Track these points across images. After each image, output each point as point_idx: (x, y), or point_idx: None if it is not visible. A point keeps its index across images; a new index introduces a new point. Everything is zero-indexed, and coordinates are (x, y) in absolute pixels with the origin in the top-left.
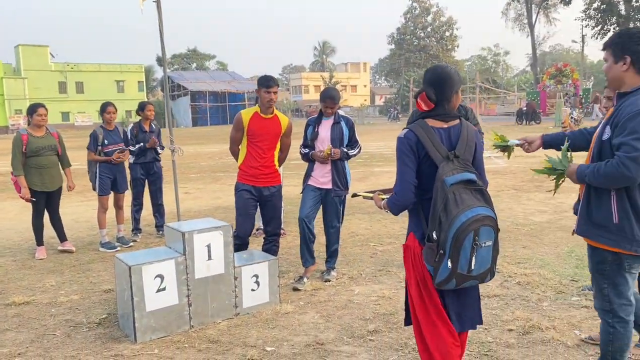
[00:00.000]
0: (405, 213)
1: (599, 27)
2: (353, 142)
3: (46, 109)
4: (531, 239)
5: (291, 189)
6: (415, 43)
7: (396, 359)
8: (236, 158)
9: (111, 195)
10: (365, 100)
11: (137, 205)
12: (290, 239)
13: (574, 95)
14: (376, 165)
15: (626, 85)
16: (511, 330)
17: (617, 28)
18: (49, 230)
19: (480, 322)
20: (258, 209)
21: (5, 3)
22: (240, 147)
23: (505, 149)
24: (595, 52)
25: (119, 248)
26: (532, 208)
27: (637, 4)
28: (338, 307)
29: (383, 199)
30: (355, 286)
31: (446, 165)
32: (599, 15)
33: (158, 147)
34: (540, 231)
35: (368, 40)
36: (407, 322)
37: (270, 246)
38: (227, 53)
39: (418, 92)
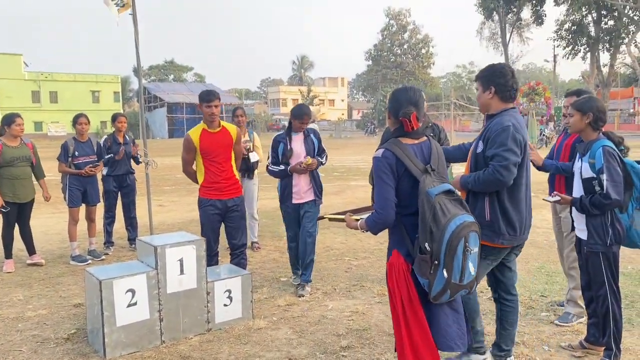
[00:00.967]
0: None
1: (570, 48)
2: (321, 151)
3: (22, 119)
4: None
5: (267, 202)
6: (392, 59)
7: None
8: (192, 178)
9: (83, 208)
10: (342, 114)
11: (110, 218)
12: (264, 253)
13: (544, 115)
14: (352, 179)
15: (492, 109)
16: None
17: (587, 48)
18: (17, 243)
19: (471, 342)
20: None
21: None
22: (196, 167)
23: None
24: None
25: (90, 261)
26: None
27: (606, 26)
28: (311, 323)
29: (358, 219)
30: (329, 301)
31: (426, 178)
32: (570, 36)
33: (137, 156)
34: None
35: (346, 55)
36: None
37: (239, 260)
38: (205, 65)
39: (408, 111)
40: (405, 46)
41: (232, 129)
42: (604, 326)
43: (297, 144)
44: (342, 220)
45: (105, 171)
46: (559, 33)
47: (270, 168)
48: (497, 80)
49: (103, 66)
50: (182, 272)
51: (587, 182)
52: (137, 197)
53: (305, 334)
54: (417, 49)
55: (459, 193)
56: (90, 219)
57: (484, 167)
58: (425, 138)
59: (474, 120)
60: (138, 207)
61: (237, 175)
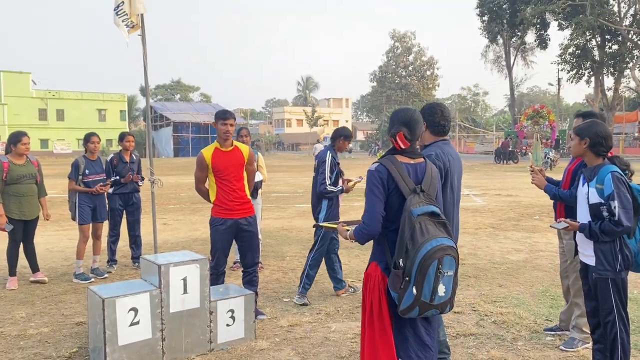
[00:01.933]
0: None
1: (574, 71)
2: None
3: (29, 137)
4: (507, 277)
5: (270, 222)
6: (396, 81)
7: None
8: (204, 197)
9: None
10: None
11: (114, 236)
12: (267, 273)
13: (549, 139)
14: (356, 200)
15: (426, 141)
16: None
17: (591, 72)
18: (21, 260)
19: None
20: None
21: None
22: (208, 185)
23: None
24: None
25: (92, 280)
26: (508, 247)
27: (610, 50)
28: (314, 345)
29: (348, 230)
30: (332, 323)
31: (413, 198)
32: (574, 60)
33: (139, 180)
34: (516, 270)
35: (350, 76)
36: None
37: (251, 278)
38: (211, 86)
39: (395, 131)
40: (410, 68)
41: (244, 148)
42: (611, 352)
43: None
44: (335, 229)
45: (111, 189)
46: (563, 57)
47: (330, 189)
48: (428, 118)
49: (110, 84)
50: (185, 291)
51: (594, 208)
52: (142, 216)
53: (308, 356)
54: (422, 70)
55: (443, 217)
56: (96, 236)
57: None
58: (422, 159)
59: (478, 142)
60: (142, 225)
61: (249, 195)
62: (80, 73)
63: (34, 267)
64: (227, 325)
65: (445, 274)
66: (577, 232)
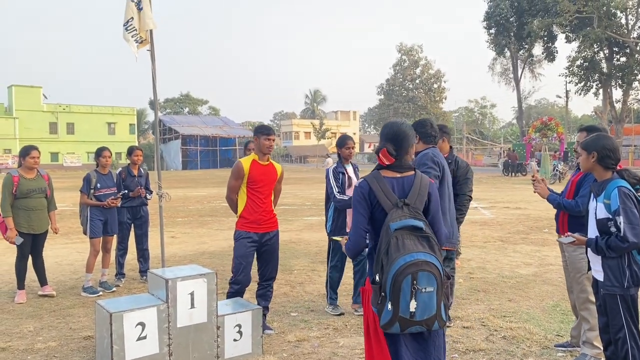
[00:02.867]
0: None
1: (582, 84)
2: None
3: (39, 152)
4: (517, 292)
5: None
6: (404, 94)
7: None
8: (233, 207)
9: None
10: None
11: (122, 250)
12: (275, 287)
13: (557, 151)
14: None
15: (418, 149)
16: None
17: (599, 85)
18: (29, 273)
19: None
20: None
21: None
22: (238, 195)
23: None
24: (579, 106)
25: (101, 293)
26: (518, 260)
27: (618, 62)
28: None
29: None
30: (340, 338)
31: (395, 212)
32: (582, 72)
33: (147, 194)
34: (526, 284)
35: (358, 89)
36: None
37: (265, 291)
38: (219, 99)
39: (379, 148)
40: (417, 81)
41: (278, 167)
42: None
43: (351, 174)
44: (337, 241)
45: (119, 203)
46: (570, 69)
47: (340, 197)
48: (420, 130)
49: (120, 98)
50: (192, 305)
51: (601, 223)
52: (150, 229)
53: None
54: (429, 83)
55: (427, 231)
56: (106, 249)
57: None
58: (412, 172)
59: (486, 155)
60: (150, 239)
61: (274, 210)
62: (91, 87)
63: (43, 281)
64: (235, 340)
65: (424, 290)
66: (588, 247)
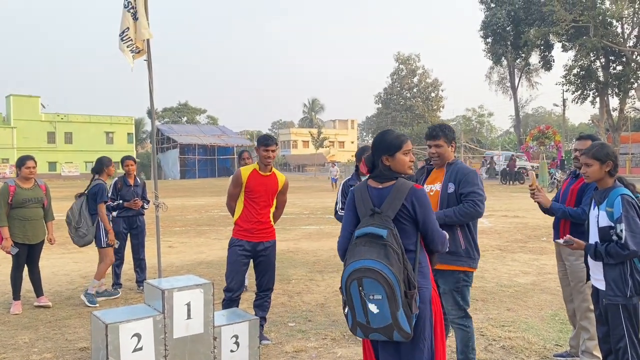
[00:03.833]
0: None
1: (579, 92)
2: None
3: (35, 162)
4: (515, 301)
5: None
6: (401, 103)
7: None
8: (232, 213)
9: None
10: (352, 156)
11: (118, 260)
12: (272, 297)
13: (555, 159)
14: None
15: (449, 158)
16: None
17: (596, 93)
18: (25, 284)
19: None
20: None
21: None
22: (237, 202)
23: None
24: (576, 115)
25: (97, 305)
26: (516, 269)
27: (615, 71)
28: None
29: None
30: (338, 348)
31: (365, 220)
32: (579, 80)
33: (144, 203)
34: (525, 293)
35: (356, 98)
36: None
37: (262, 302)
38: (218, 108)
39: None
40: (414, 90)
41: (281, 178)
42: None
43: None
44: None
45: (115, 212)
46: (567, 78)
47: (341, 213)
48: (451, 135)
49: (118, 107)
50: (189, 316)
51: (604, 231)
52: (146, 239)
53: None
54: (427, 92)
55: (389, 240)
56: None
57: (455, 204)
58: (392, 182)
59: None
60: (147, 248)
61: (272, 222)
62: (89, 96)
63: (38, 292)
64: (232, 351)
65: (372, 297)
66: (587, 254)
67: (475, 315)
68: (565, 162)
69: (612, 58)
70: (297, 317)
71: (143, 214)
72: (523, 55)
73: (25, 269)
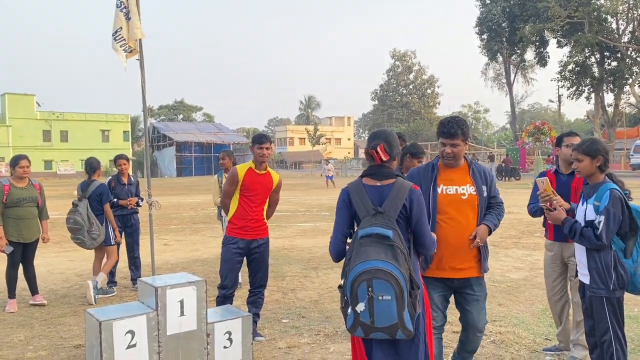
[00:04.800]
0: None
1: (574, 88)
2: None
3: (29, 161)
4: (507, 296)
5: (271, 241)
6: (397, 99)
7: None
8: (226, 211)
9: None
10: (349, 153)
11: None
12: (267, 294)
13: (550, 155)
14: None
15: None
16: None
17: (591, 89)
18: (20, 282)
19: None
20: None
21: None
22: (231, 200)
23: None
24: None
25: (115, 293)
26: (509, 265)
27: (610, 67)
28: None
29: None
30: (331, 344)
31: (367, 220)
32: (574, 77)
33: (138, 200)
34: (516, 288)
35: (352, 95)
36: None
37: (256, 298)
38: (213, 105)
39: (374, 145)
40: (410, 86)
41: (275, 176)
42: None
43: None
44: None
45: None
46: (562, 74)
47: None
48: (468, 132)
49: (114, 105)
50: (182, 313)
51: (589, 225)
52: (141, 237)
53: None
54: (423, 89)
55: (395, 240)
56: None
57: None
58: (392, 181)
59: (480, 159)
60: (141, 247)
61: (266, 219)
62: (84, 94)
63: (34, 290)
64: (225, 347)
65: (381, 298)
66: (563, 226)
67: None
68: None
69: (607, 54)
70: (290, 314)
71: (137, 212)
72: (518, 51)
73: (20, 268)
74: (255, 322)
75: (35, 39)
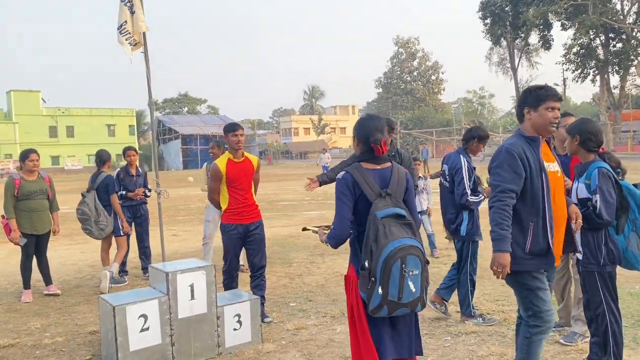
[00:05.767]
0: None
1: (579, 71)
2: None
3: (38, 155)
4: None
5: (278, 230)
6: (402, 87)
7: None
8: (216, 205)
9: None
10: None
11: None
12: (275, 279)
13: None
14: None
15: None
16: None
17: (596, 71)
18: (34, 273)
19: (421, 353)
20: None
21: None
22: (220, 194)
23: None
24: (577, 94)
25: (127, 282)
26: None
27: (615, 48)
28: (319, 346)
29: (325, 234)
30: (338, 325)
31: (379, 202)
32: (579, 59)
33: (146, 191)
34: None
35: (356, 83)
36: None
37: (259, 281)
38: (218, 97)
39: (377, 139)
40: (415, 73)
41: (253, 159)
42: (604, 344)
43: None
44: (313, 232)
45: (119, 202)
46: (567, 57)
47: (472, 199)
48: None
49: (118, 100)
50: (192, 297)
51: (582, 203)
52: (150, 227)
53: (313, 357)
54: (427, 75)
55: (409, 218)
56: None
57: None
58: (389, 164)
59: (486, 145)
60: (151, 237)
61: (256, 200)
62: (89, 89)
63: (47, 280)
64: (234, 329)
65: (411, 273)
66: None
67: None
68: None
69: (612, 35)
70: (298, 298)
71: (146, 203)
72: (522, 35)
73: (34, 259)
74: (262, 304)
75: (37, 35)
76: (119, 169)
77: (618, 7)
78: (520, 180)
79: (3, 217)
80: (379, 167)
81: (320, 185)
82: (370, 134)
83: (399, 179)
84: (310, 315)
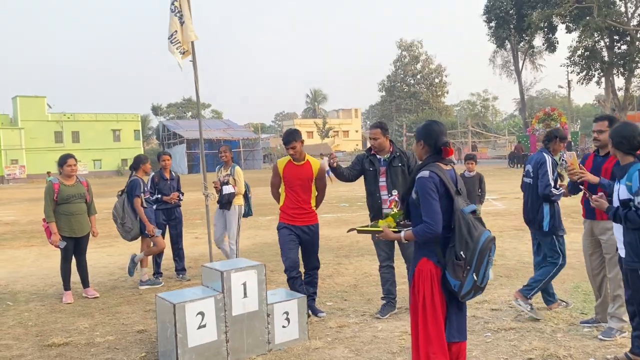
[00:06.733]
0: None
1: (584, 73)
2: None
3: (75, 160)
4: None
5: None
6: (405, 90)
7: None
8: (276, 199)
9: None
10: (357, 145)
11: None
12: None
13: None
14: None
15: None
16: (531, 359)
17: (601, 73)
18: (72, 275)
19: (465, 338)
20: None
21: (4, 55)
22: (280, 190)
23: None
24: (580, 96)
25: (162, 284)
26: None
27: (619, 50)
28: (365, 342)
29: (398, 231)
30: (378, 323)
31: (459, 199)
32: (583, 61)
33: (179, 194)
34: None
35: (359, 87)
36: None
37: (311, 279)
38: (222, 102)
39: (446, 142)
40: (418, 76)
41: (315, 164)
42: None
43: None
44: (375, 232)
45: (154, 205)
46: (572, 59)
47: (555, 191)
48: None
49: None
50: (245, 295)
51: (624, 204)
52: (183, 229)
53: (361, 352)
54: (431, 78)
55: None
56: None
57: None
58: (451, 165)
59: (490, 147)
60: (183, 239)
61: (314, 206)
62: (94, 94)
63: (85, 283)
64: (283, 326)
65: (491, 260)
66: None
67: (502, 290)
68: (572, 143)
69: (617, 38)
70: (333, 297)
71: (180, 206)
72: (527, 38)
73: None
74: (313, 300)
75: (42, 39)
76: (153, 173)
77: (622, 9)
78: None
79: (44, 220)
80: (448, 167)
81: (335, 169)
82: (438, 137)
83: (460, 179)
84: (350, 314)
